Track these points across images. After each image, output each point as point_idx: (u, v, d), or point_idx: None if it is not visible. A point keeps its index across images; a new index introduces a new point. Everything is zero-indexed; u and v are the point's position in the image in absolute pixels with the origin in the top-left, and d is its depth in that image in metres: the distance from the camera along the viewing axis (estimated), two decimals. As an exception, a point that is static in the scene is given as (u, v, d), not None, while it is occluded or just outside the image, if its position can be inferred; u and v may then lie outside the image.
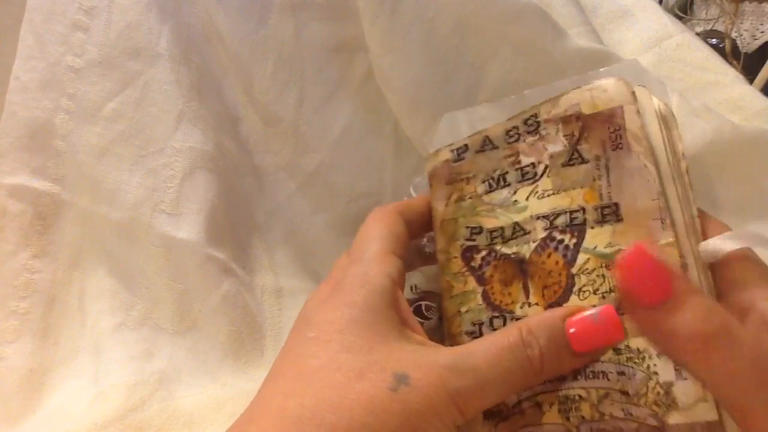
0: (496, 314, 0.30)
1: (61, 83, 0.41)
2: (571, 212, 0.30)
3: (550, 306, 0.29)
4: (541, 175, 0.31)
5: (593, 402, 0.28)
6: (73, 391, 0.41)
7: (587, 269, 0.29)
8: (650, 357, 0.27)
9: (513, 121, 0.32)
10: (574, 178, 0.30)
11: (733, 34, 0.58)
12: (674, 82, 0.45)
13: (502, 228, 0.31)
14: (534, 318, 0.28)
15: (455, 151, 0.33)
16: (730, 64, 0.49)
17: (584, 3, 0.47)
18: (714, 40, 0.58)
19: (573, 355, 0.27)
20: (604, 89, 0.30)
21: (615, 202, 0.29)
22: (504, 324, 0.30)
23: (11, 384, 0.41)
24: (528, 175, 0.31)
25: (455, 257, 0.32)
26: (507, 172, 0.32)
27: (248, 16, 0.43)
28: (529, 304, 0.30)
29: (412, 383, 0.26)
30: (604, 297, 0.28)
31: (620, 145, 0.29)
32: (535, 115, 0.31)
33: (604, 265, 0.28)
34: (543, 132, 0.31)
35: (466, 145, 0.33)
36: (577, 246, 0.29)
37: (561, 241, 0.29)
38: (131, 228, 0.42)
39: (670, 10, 0.56)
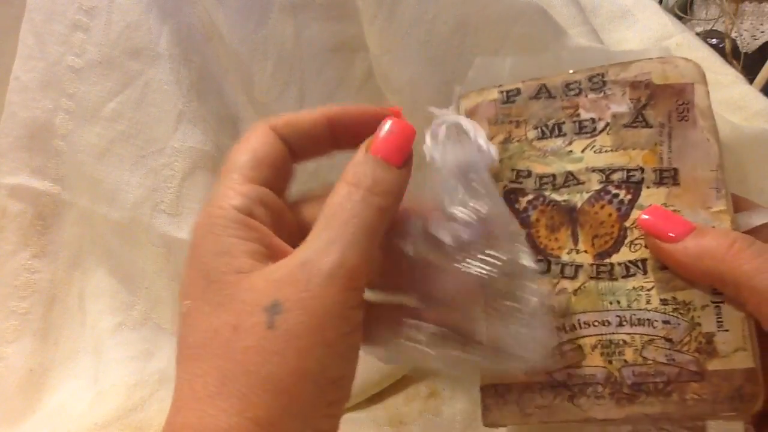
0: (540, 258, 0.31)
1: (61, 83, 0.41)
2: (629, 170, 0.31)
3: (599, 255, 0.30)
4: (601, 131, 0.32)
5: (637, 347, 0.29)
6: (73, 391, 0.41)
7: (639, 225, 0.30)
8: (695, 309, 0.29)
9: (575, 75, 0.33)
10: (635, 140, 0.31)
11: (733, 34, 0.58)
12: (674, 82, 0.45)
13: (553, 175, 0.32)
14: (347, 168, 0.27)
15: (505, 93, 0.33)
16: (730, 64, 0.49)
17: (584, 3, 0.47)
18: (714, 40, 0.58)
19: (398, 169, 0.27)
20: (676, 65, 0.32)
21: (674, 167, 0.30)
22: (548, 269, 0.31)
23: (11, 384, 0.41)
24: (586, 129, 0.32)
25: None
26: (563, 122, 0.32)
27: (248, 16, 0.43)
28: (577, 251, 0.31)
29: (285, 306, 0.24)
30: None
31: (686, 118, 0.31)
32: (602, 75, 0.32)
33: None
34: (608, 92, 0.32)
35: (518, 89, 0.33)
36: (632, 202, 0.31)
37: (616, 195, 0.31)
38: (131, 228, 0.42)
39: (670, 10, 0.56)
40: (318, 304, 0.24)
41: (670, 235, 0.28)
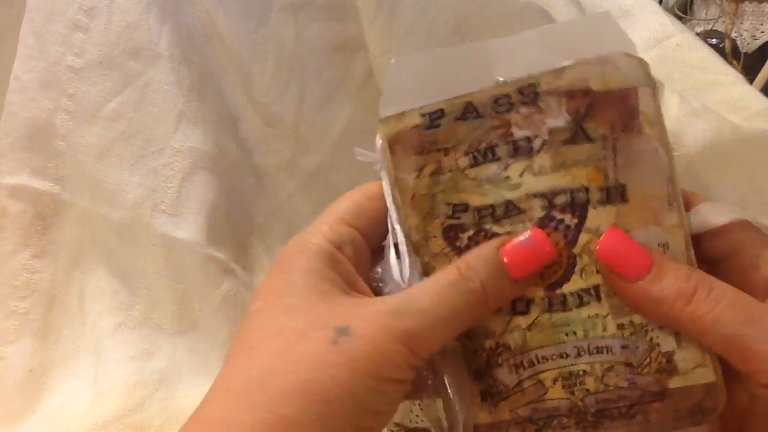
0: None
1: (61, 83, 0.41)
2: (573, 191, 0.29)
3: (549, 287, 0.29)
4: (538, 151, 0.29)
5: (598, 375, 0.29)
6: (73, 391, 0.41)
7: (590, 249, 0.28)
8: (652, 330, 0.28)
9: (503, 88, 0.29)
10: (576, 157, 0.29)
11: (733, 34, 0.58)
12: (674, 82, 0.45)
13: (492, 206, 0.29)
14: (469, 253, 0.28)
15: (427, 116, 0.30)
16: (730, 64, 0.49)
17: (584, 3, 0.47)
18: (714, 40, 0.58)
19: (512, 281, 0.28)
20: (617, 66, 0.29)
21: (622, 183, 0.28)
22: (500, 310, 0.30)
23: (11, 384, 0.41)
24: (522, 150, 0.29)
25: (435, 236, 0.30)
26: (496, 145, 0.29)
27: (248, 16, 0.43)
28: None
29: (354, 333, 0.26)
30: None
31: (631, 127, 0.28)
32: (534, 85, 0.29)
33: None
34: (542, 104, 0.29)
35: (441, 110, 0.30)
36: (579, 226, 0.29)
37: (561, 221, 0.29)
38: (131, 228, 0.42)
39: (670, 10, 0.56)
40: (383, 346, 0.26)
41: (628, 273, 0.27)
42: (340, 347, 0.25)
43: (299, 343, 0.26)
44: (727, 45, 0.57)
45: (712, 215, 0.29)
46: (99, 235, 0.43)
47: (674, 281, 0.27)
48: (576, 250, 0.29)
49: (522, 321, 0.29)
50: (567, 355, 0.29)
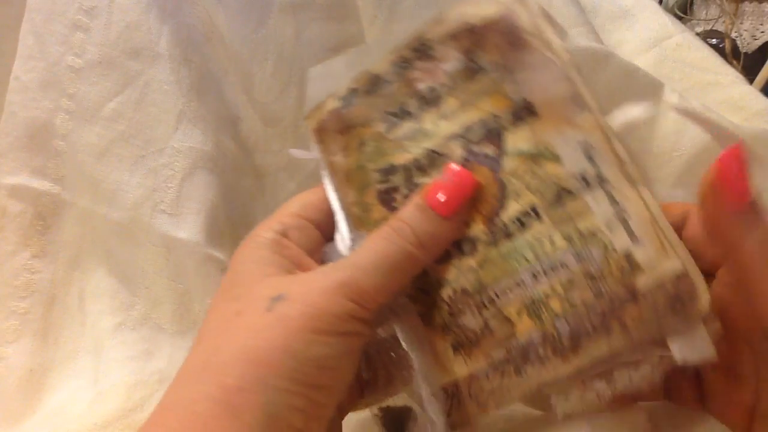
0: None
1: (61, 83, 0.41)
2: (485, 122, 0.29)
3: (489, 220, 0.29)
4: (444, 96, 0.30)
5: (561, 295, 0.27)
6: (73, 391, 0.41)
7: (516, 171, 0.29)
8: (602, 233, 0.27)
9: (398, 51, 0.31)
10: (478, 90, 0.30)
11: (733, 34, 0.58)
12: (674, 82, 0.45)
13: (416, 159, 0.30)
14: (399, 209, 0.29)
15: (343, 98, 0.32)
16: (730, 64, 0.49)
17: (584, 3, 0.47)
18: (714, 40, 0.58)
19: (444, 220, 0.28)
20: None
21: (526, 99, 0.29)
22: (447, 254, 0.29)
23: (11, 384, 0.41)
24: (430, 100, 0.30)
25: (373, 204, 0.31)
26: (406, 103, 0.31)
27: (248, 16, 0.43)
28: (467, 224, 0.29)
29: (288, 297, 0.26)
30: (541, 192, 0.28)
31: (518, 45, 0.29)
32: (421, 39, 0.31)
33: (531, 161, 0.29)
34: (434, 54, 0.30)
35: (353, 89, 0.32)
36: (500, 153, 0.29)
37: (482, 153, 0.29)
38: (131, 228, 0.42)
39: (670, 10, 0.56)
40: (317, 300, 0.26)
41: (733, 199, 0.25)
42: (274, 313, 0.26)
43: (236, 320, 0.27)
44: (727, 45, 0.57)
45: (632, 110, 0.29)
46: (99, 235, 0.43)
47: (762, 239, 0.24)
48: (503, 176, 0.29)
49: (472, 261, 0.29)
50: (524, 283, 0.28)
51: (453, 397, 0.29)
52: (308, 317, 0.26)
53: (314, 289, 0.26)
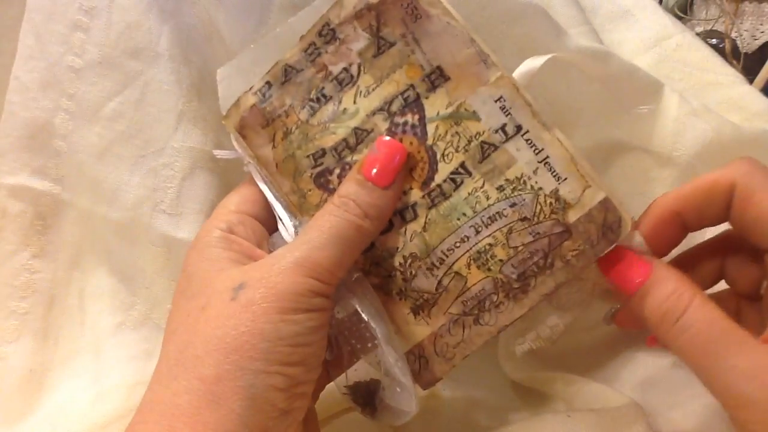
0: None
1: (61, 83, 0.41)
2: (402, 93, 0.31)
3: (424, 184, 0.31)
4: (358, 75, 0.32)
5: (503, 242, 0.30)
6: (73, 391, 0.41)
7: (440, 135, 0.31)
8: (529, 178, 0.30)
9: (306, 39, 0.32)
10: (390, 63, 0.31)
11: (733, 34, 0.58)
12: (674, 82, 0.45)
13: (344, 140, 0.32)
14: (339, 186, 0.30)
15: (258, 93, 0.33)
16: (730, 64, 0.49)
17: (584, 3, 0.47)
18: (714, 40, 0.58)
19: (384, 190, 0.30)
20: None
21: (436, 65, 0.31)
22: (391, 225, 0.31)
23: (11, 384, 0.41)
24: (345, 81, 0.32)
25: (309, 190, 0.32)
26: (323, 87, 0.32)
27: (248, 16, 0.42)
28: (405, 193, 0.31)
29: (248, 285, 0.27)
30: (466, 150, 0.30)
31: (419, 16, 0.31)
32: (327, 24, 0.32)
33: (453, 123, 0.31)
34: (341, 36, 0.32)
35: (268, 83, 0.33)
36: (422, 120, 0.31)
37: (405, 123, 0.31)
38: (131, 228, 0.42)
39: (670, 10, 0.56)
40: (278, 281, 0.27)
41: (624, 289, 0.28)
42: (239, 301, 0.26)
43: (203, 314, 0.27)
44: (727, 45, 0.57)
45: (530, 65, 0.31)
46: (99, 235, 0.43)
47: (652, 303, 0.27)
48: (429, 141, 0.31)
49: (416, 226, 0.31)
50: (467, 237, 0.30)
51: (420, 358, 0.31)
52: (272, 299, 0.26)
53: (273, 272, 0.27)
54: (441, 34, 0.30)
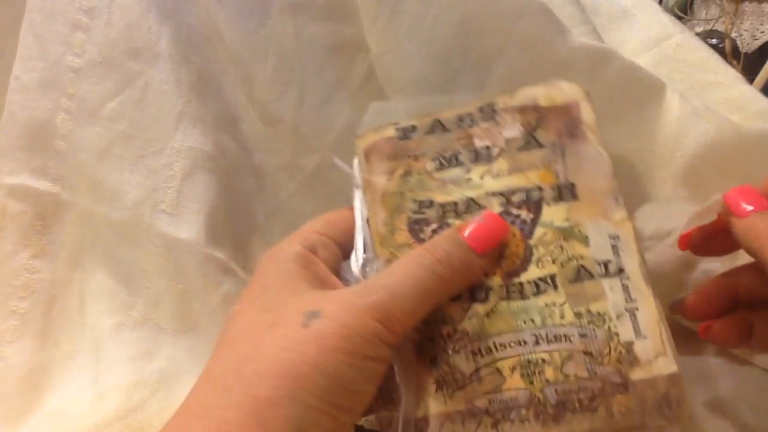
0: None
1: (61, 83, 0.41)
2: (528, 190, 0.32)
3: (507, 276, 0.31)
4: (496, 157, 0.33)
5: (557, 365, 0.29)
6: (73, 391, 0.41)
7: (545, 241, 0.31)
8: (610, 319, 0.29)
9: (466, 108, 0.34)
10: (530, 161, 0.33)
11: (733, 34, 0.58)
12: (674, 82, 0.44)
13: (455, 203, 0.33)
14: (432, 238, 0.31)
15: (401, 130, 0.34)
16: (730, 64, 0.49)
17: (584, 3, 0.47)
18: (714, 40, 0.58)
19: (477, 255, 0.30)
20: (560, 87, 0.34)
21: (571, 182, 0.32)
22: (459, 295, 0.31)
23: (11, 384, 0.41)
24: (482, 156, 0.33)
25: (401, 229, 0.33)
26: (460, 153, 0.33)
27: (248, 16, 0.42)
28: (486, 274, 0.31)
29: (323, 315, 0.27)
30: (563, 265, 0.30)
31: (576, 134, 0.32)
32: (491, 104, 0.34)
33: (561, 237, 0.31)
34: (498, 119, 0.33)
35: (413, 126, 0.34)
36: (534, 221, 0.32)
37: (518, 216, 0.32)
38: (131, 228, 0.42)
39: (670, 10, 0.56)
40: (350, 321, 0.26)
41: (746, 204, 0.29)
42: (310, 329, 0.26)
43: (271, 331, 0.27)
44: (727, 45, 0.57)
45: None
46: (99, 235, 0.43)
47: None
48: (532, 242, 0.31)
49: (480, 308, 0.30)
50: (525, 343, 0.30)
51: (420, 431, 0.30)
52: (341, 338, 0.26)
53: (348, 309, 0.27)
54: (589, 158, 0.32)
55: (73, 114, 0.41)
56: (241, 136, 0.45)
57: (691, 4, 0.60)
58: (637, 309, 0.29)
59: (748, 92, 0.44)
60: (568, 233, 0.31)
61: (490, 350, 0.30)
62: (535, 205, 0.32)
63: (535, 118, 0.33)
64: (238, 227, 0.45)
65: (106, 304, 0.43)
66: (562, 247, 0.31)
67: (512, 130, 0.33)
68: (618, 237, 0.31)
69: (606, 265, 0.30)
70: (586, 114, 0.33)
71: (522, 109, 0.33)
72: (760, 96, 0.44)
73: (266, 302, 0.29)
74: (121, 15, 0.41)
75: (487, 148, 0.33)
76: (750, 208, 0.28)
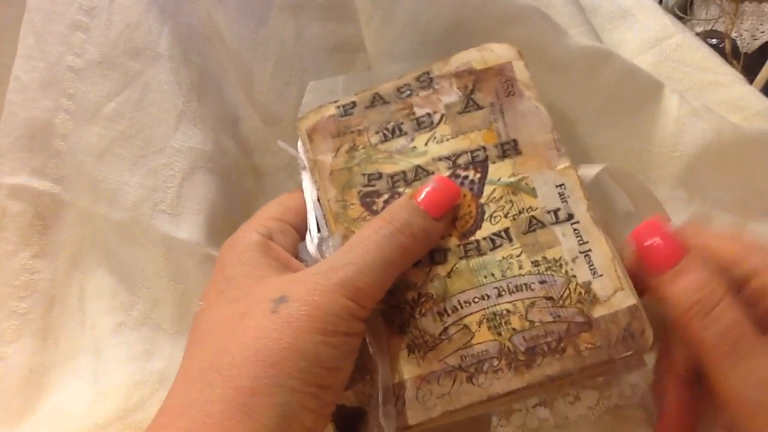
0: None
1: (61, 83, 0.41)
2: (473, 151, 0.33)
3: (463, 235, 0.32)
4: (438, 123, 0.34)
5: (521, 313, 0.30)
6: (73, 391, 0.41)
7: (495, 197, 0.32)
8: (566, 263, 0.31)
9: (403, 79, 0.35)
10: (471, 123, 0.34)
11: (733, 34, 0.58)
12: (674, 82, 0.44)
13: (403, 172, 0.33)
14: (387, 207, 0.31)
15: (341, 107, 0.35)
16: (730, 64, 0.49)
17: (584, 3, 0.47)
18: (714, 40, 0.58)
19: (434, 220, 0.30)
20: (491, 49, 0.35)
21: (513, 138, 0.33)
22: (419, 262, 0.32)
23: (11, 384, 0.41)
24: (424, 124, 0.34)
25: (353, 204, 0.33)
26: (402, 123, 0.34)
27: (248, 16, 0.42)
28: (443, 237, 0.32)
29: (291, 298, 0.27)
30: (515, 219, 0.32)
31: (512, 92, 0.34)
32: (428, 72, 0.35)
33: (510, 192, 0.32)
34: (436, 86, 0.34)
35: (353, 102, 0.35)
36: (482, 179, 0.33)
37: (466, 177, 0.33)
38: (131, 228, 0.42)
39: (670, 10, 0.56)
40: (320, 301, 0.27)
41: (653, 268, 0.28)
42: (280, 315, 0.26)
43: (242, 322, 0.27)
44: (727, 45, 0.57)
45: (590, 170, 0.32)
46: (99, 235, 0.43)
47: (683, 286, 0.27)
48: (483, 200, 0.32)
49: (441, 270, 0.31)
50: (488, 297, 0.31)
51: (397, 399, 0.30)
52: (313, 318, 0.26)
53: (315, 289, 0.27)
54: (527, 114, 0.33)
55: (73, 114, 0.41)
56: (241, 136, 0.45)
57: (691, 4, 0.60)
58: (590, 250, 0.30)
59: (748, 92, 0.44)
60: (516, 187, 0.32)
61: (456, 309, 0.31)
62: (481, 165, 0.33)
63: (471, 81, 0.34)
64: (238, 227, 0.45)
65: (106, 304, 0.43)
66: (512, 201, 0.32)
67: (450, 95, 0.34)
68: (564, 185, 0.32)
69: (555, 212, 0.32)
70: (520, 72, 0.34)
71: (458, 74, 0.34)
72: (760, 96, 0.44)
73: (232, 294, 0.29)
74: (121, 15, 0.41)
75: (428, 115, 0.34)
76: (672, 260, 0.28)
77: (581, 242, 0.31)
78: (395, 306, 0.31)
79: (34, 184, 0.42)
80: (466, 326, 0.30)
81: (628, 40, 0.47)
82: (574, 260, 0.30)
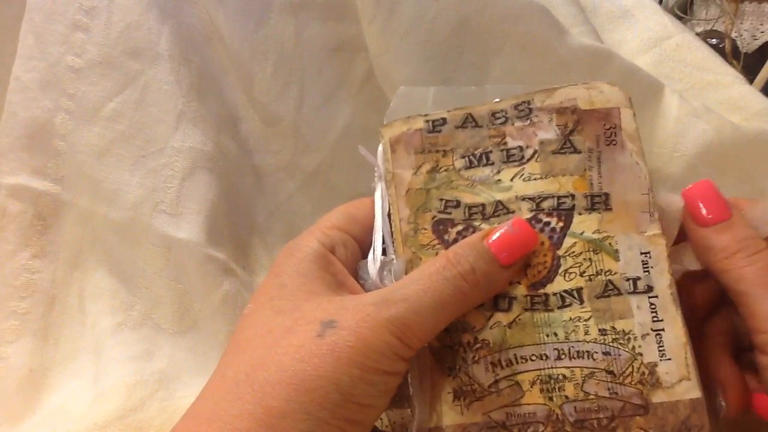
0: None
1: (61, 83, 0.41)
2: (559, 197, 0.31)
3: (533, 286, 0.30)
4: (529, 159, 0.31)
5: (578, 381, 0.28)
6: (73, 391, 0.41)
7: (574, 252, 0.30)
8: (635, 338, 0.28)
9: (501, 104, 0.32)
10: (564, 166, 0.31)
11: (733, 34, 0.58)
12: (674, 82, 0.44)
13: (482, 204, 0.31)
14: (456, 244, 0.29)
15: (430, 122, 0.32)
16: (730, 64, 0.49)
17: (584, 3, 0.47)
18: (714, 40, 0.58)
19: (501, 268, 0.29)
20: (601, 90, 0.32)
21: (605, 192, 0.30)
22: (482, 305, 0.30)
23: (11, 384, 0.41)
24: (514, 157, 0.32)
25: (425, 229, 0.31)
26: (491, 151, 0.32)
27: (248, 16, 0.42)
28: (510, 282, 0.30)
29: (339, 325, 0.26)
30: (590, 279, 0.29)
31: (614, 142, 0.31)
32: (528, 102, 0.32)
33: (591, 249, 0.30)
34: (534, 119, 0.32)
35: (443, 119, 0.32)
36: (564, 229, 0.30)
37: (547, 223, 0.30)
38: (131, 228, 0.42)
39: (670, 10, 0.56)
40: (367, 335, 0.26)
41: (700, 218, 0.30)
42: (325, 340, 0.26)
43: (285, 338, 0.26)
44: (727, 45, 0.57)
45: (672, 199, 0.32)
46: (99, 235, 0.43)
47: (730, 237, 0.29)
48: (560, 252, 0.30)
49: (503, 318, 0.30)
50: (547, 357, 0.29)
51: None
52: (357, 352, 0.25)
53: (366, 321, 0.26)
54: (625, 168, 0.30)
55: (73, 114, 0.41)
56: (241, 136, 0.45)
57: (691, 4, 0.60)
58: (663, 330, 0.28)
59: (748, 92, 0.44)
60: (598, 245, 0.30)
61: (511, 362, 0.29)
62: (566, 214, 0.30)
63: (573, 120, 0.31)
64: (238, 227, 0.45)
65: (106, 304, 0.43)
66: (591, 260, 0.30)
67: (548, 131, 0.31)
68: (649, 253, 0.29)
69: (635, 281, 0.29)
70: (627, 121, 0.31)
71: (560, 110, 0.31)
72: (760, 96, 0.44)
73: (282, 304, 0.28)
74: (121, 15, 0.41)
75: (520, 148, 0.31)
76: (723, 215, 0.29)
77: (655, 319, 0.29)
78: (449, 346, 0.30)
79: (34, 184, 0.42)
80: (518, 383, 0.29)
81: (628, 40, 0.47)
82: (644, 337, 0.28)
